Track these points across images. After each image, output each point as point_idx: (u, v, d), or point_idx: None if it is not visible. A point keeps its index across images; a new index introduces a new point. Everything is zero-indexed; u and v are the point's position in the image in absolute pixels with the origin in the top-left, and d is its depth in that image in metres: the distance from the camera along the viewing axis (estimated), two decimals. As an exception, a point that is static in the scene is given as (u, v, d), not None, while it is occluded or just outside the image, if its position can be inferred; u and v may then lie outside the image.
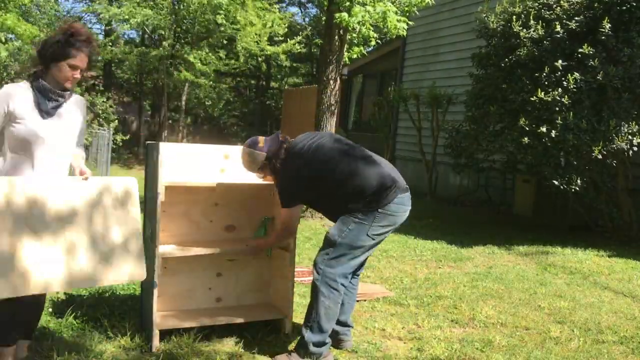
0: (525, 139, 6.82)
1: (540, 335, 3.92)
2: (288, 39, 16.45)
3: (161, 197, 3.37)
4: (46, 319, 3.66)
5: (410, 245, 6.82)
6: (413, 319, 4.16)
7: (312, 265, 3.37)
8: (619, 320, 4.29)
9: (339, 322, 3.45)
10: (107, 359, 3.17)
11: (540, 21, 7.17)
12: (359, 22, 7.72)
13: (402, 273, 5.51)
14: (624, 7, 6.66)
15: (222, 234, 3.93)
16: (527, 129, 6.84)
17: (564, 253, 6.56)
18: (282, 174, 3.38)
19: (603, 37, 6.63)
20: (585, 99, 6.67)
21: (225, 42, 17.55)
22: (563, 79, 6.71)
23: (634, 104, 6.63)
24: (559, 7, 7.12)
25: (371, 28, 8.13)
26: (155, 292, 3.38)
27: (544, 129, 6.64)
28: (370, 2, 7.85)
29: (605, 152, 6.56)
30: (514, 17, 7.42)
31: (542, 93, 6.72)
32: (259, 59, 18.72)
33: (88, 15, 21.43)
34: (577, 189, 6.78)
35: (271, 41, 16.65)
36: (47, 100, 2.84)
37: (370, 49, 15.13)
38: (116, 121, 14.86)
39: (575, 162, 6.78)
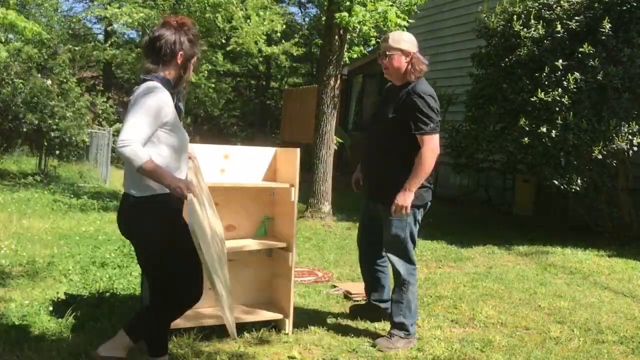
0: (526, 139, 6.82)
1: (540, 335, 3.92)
2: (284, 41, 16.41)
3: (161, 197, 3.37)
4: (46, 319, 3.66)
5: (410, 245, 6.81)
6: (413, 319, 4.15)
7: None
8: (619, 320, 4.29)
9: (385, 300, 3.96)
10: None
11: (540, 21, 7.17)
12: (359, 22, 7.72)
13: (402, 273, 5.51)
14: (624, 7, 6.67)
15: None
16: (527, 129, 6.84)
17: (564, 253, 6.56)
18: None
19: (603, 37, 6.62)
20: (586, 99, 6.66)
21: (224, 41, 17.54)
22: (563, 79, 6.71)
23: (634, 103, 6.63)
24: (559, 7, 7.13)
25: (372, 26, 8.13)
26: (155, 292, 3.37)
27: (544, 129, 6.64)
28: (371, 1, 7.85)
29: (605, 152, 6.56)
30: (515, 16, 7.42)
31: (542, 93, 6.72)
32: (258, 60, 18.73)
33: (88, 15, 21.45)
34: (577, 189, 6.78)
35: (270, 41, 16.63)
36: (178, 102, 2.80)
37: (370, 48, 15.13)
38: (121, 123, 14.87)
39: (575, 162, 6.78)
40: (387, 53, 3.61)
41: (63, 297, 4.11)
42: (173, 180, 2.59)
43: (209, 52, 16.70)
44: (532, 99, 6.79)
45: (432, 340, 3.72)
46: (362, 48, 9.31)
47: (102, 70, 22.85)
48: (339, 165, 12.82)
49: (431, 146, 3.47)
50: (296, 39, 16.48)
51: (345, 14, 7.67)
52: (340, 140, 9.75)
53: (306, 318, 4.02)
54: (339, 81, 8.62)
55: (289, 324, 3.75)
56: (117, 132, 13.97)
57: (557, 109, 6.67)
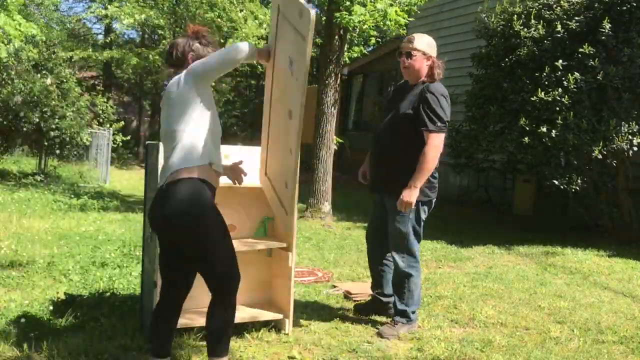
0: (526, 138, 6.82)
1: (540, 335, 3.92)
2: None
3: (161, 197, 3.37)
4: (46, 319, 3.66)
5: (410, 245, 6.81)
6: (413, 319, 4.15)
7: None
8: (619, 320, 4.29)
9: (386, 294, 4.03)
10: (107, 359, 3.17)
11: (540, 21, 7.17)
12: (359, 21, 7.72)
13: (402, 273, 5.51)
14: (624, 7, 6.67)
15: (222, 234, 3.93)
16: (527, 128, 6.84)
17: (564, 253, 6.56)
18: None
19: (603, 37, 6.63)
20: (586, 99, 6.67)
21: (222, 41, 17.53)
22: (563, 78, 6.71)
23: (634, 103, 6.63)
24: (559, 7, 7.13)
25: (372, 26, 8.13)
26: (155, 292, 3.38)
27: (544, 129, 6.64)
28: (371, 1, 7.85)
29: (605, 152, 6.56)
30: (515, 16, 7.42)
31: (543, 93, 6.72)
32: (257, 61, 18.71)
33: (88, 15, 21.46)
34: (577, 188, 6.78)
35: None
36: None
37: (370, 48, 15.12)
38: (121, 122, 14.85)
39: (575, 162, 6.78)
40: (412, 53, 3.72)
41: (63, 297, 4.11)
42: None
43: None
44: (532, 99, 6.79)
45: (432, 340, 3.72)
46: (362, 48, 9.32)
47: (102, 70, 22.84)
48: (339, 165, 12.83)
49: (435, 143, 3.57)
50: None
51: (345, 13, 7.67)
52: (341, 141, 9.75)
53: (306, 318, 4.02)
54: (339, 81, 8.62)
55: (289, 324, 3.75)
56: (117, 132, 13.99)
57: (557, 108, 6.67)
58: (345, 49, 8.55)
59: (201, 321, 3.56)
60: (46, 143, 11.56)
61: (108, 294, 4.28)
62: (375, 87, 15.68)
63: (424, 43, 3.74)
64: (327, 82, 8.41)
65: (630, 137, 6.53)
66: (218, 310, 2.82)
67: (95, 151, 13.18)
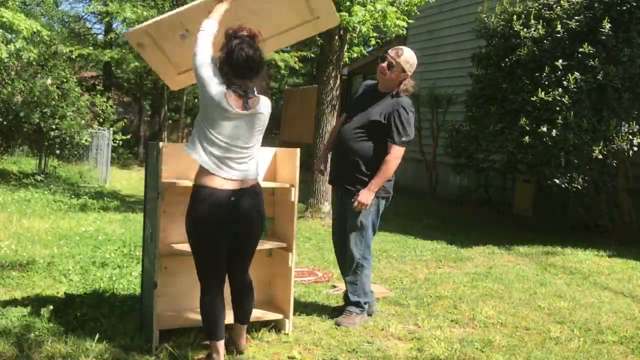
0: (526, 138, 6.82)
1: (540, 335, 3.92)
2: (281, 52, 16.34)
3: (161, 197, 3.37)
4: (46, 319, 3.66)
5: (410, 246, 6.82)
6: (413, 319, 4.16)
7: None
8: (619, 320, 4.29)
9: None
10: (107, 359, 3.17)
11: (540, 21, 7.17)
12: (359, 22, 7.72)
13: (402, 273, 5.51)
14: (624, 7, 6.67)
15: (222, 234, 3.92)
16: (528, 128, 6.84)
17: (564, 253, 6.56)
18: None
19: (603, 37, 6.63)
20: (586, 98, 6.67)
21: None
22: (563, 78, 6.71)
23: (634, 103, 6.64)
24: (559, 7, 7.13)
25: (371, 27, 8.13)
26: (155, 292, 3.38)
27: (544, 129, 6.64)
28: (370, 1, 7.85)
29: (605, 152, 6.56)
30: (515, 16, 7.43)
31: (543, 93, 6.72)
32: None
33: (88, 15, 21.47)
34: (579, 187, 6.78)
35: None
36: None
37: (370, 49, 15.12)
38: (123, 121, 14.84)
39: (575, 162, 6.78)
40: (392, 63, 3.91)
41: (63, 297, 4.12)
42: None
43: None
44: (532, 99, 6.79)
45: (432, 340, 3.72)
46: (362, 48, 9.31)
47: (102, 70, 22.83)
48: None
49: (397, 155, 3.87)
50: (297, 54, 16.32)
51: (345, 14, 7.67)
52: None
53: (306, 318, 4.02)
54: (339, 81, 8.62)
55: (288, 324, 3.75)
56: (117, 132, 13.98)
57: (557, 108, 6.67)
58: (345, 49, 8.55)
59: (201, 321, 3.57)
60: (46, 143, 11.55)
61: (108, 294, 4.29)
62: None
63: (407, 62, 3.92)
64: (327, 82, 8.41)
65: (630, 137, 6.53)
66: (249, 291, 3.32)
67: (95, 151, 13.18)
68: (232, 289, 3.30)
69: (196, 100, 21.39)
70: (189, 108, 21.81)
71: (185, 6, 3.37)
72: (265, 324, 3.77)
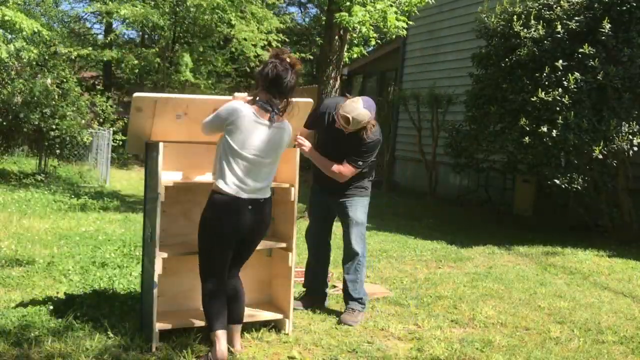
0: (526, 138, 6.82)
1: (540, 335, 3.92)
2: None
3: (161, 197, 3.37)
4: (46, 319, 3.66)
5: (410, 245, 6.82)
6: (413, 319, 4.16)
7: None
8: (619, 320, 4.29)
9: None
10: (107, 359, 3.17)
11: (540, 21, 7.17)
12: (359, 22, 7.73)
13: (402, 273, 5.51)
14: (624, 7, 6.67)
15: (222, 234, 3.92)
16: (528, 129, 6.84)
17: (564, 253, 6.56)
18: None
19: (603, 37, 6.63)
20: (586, 98, 6.67)
21: (222, 42, 17.54)
22: (563, 79, 6.71)
23: (635, 103, 6.64)
24: (559, 7, 7.13)
25: (371, 28, 8.14)
26: (155, 292, 3.38)
27: (544, 129, 6.64)
28: (370, 1, 7.86)
29: (605, 152, 6.56)
30: (515, 16, 7.43)
31: (543, 93, 6.72)
32: (255, 64, 18.81)
33: (88, 15, 21.45)
34: (579, 187, 6.78)
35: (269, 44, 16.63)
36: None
37: (370, 49, 15.12)
38: (123, 121, 14.83)
39: (576, 162, 6.78)
40: (348, 126, 3.90)
41: (63, 297, 4.12)
42: None
43: (209, 52, 16.72)
44: (533, 99, 6.79)
45: (432, 340, 3.72)
46: (362, 48, 9.32)
47: (102, 70, 22.82)
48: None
49: (347, 174, 4.05)
50: (296, 55, 16.38)
51: (345, 14, 7.68)
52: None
53: (306, 318, 4.03)
54: (339, 81, 8.62)
55: (288, 324, 3.75)
56: (117, 132, 13.98)
57: (557, 108, 6.67)
58: (345, 49, 8.55)
59: (201, 321, 3.57)
60: (46, 143, 11.54)
61: (108, 294, 4.28)
62: (375, 87, 15.68)
63: (359, 122, 3.86)
64: (327, 82, 8.41)
65: (630, 137, 6.53)
66: (242, 291, 3.42)
67: (95, 151, 13.17)
68: (226, 289, 3.32)
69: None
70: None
71: (198, 96, 3.74)
72: (265, 324, 3.77)
